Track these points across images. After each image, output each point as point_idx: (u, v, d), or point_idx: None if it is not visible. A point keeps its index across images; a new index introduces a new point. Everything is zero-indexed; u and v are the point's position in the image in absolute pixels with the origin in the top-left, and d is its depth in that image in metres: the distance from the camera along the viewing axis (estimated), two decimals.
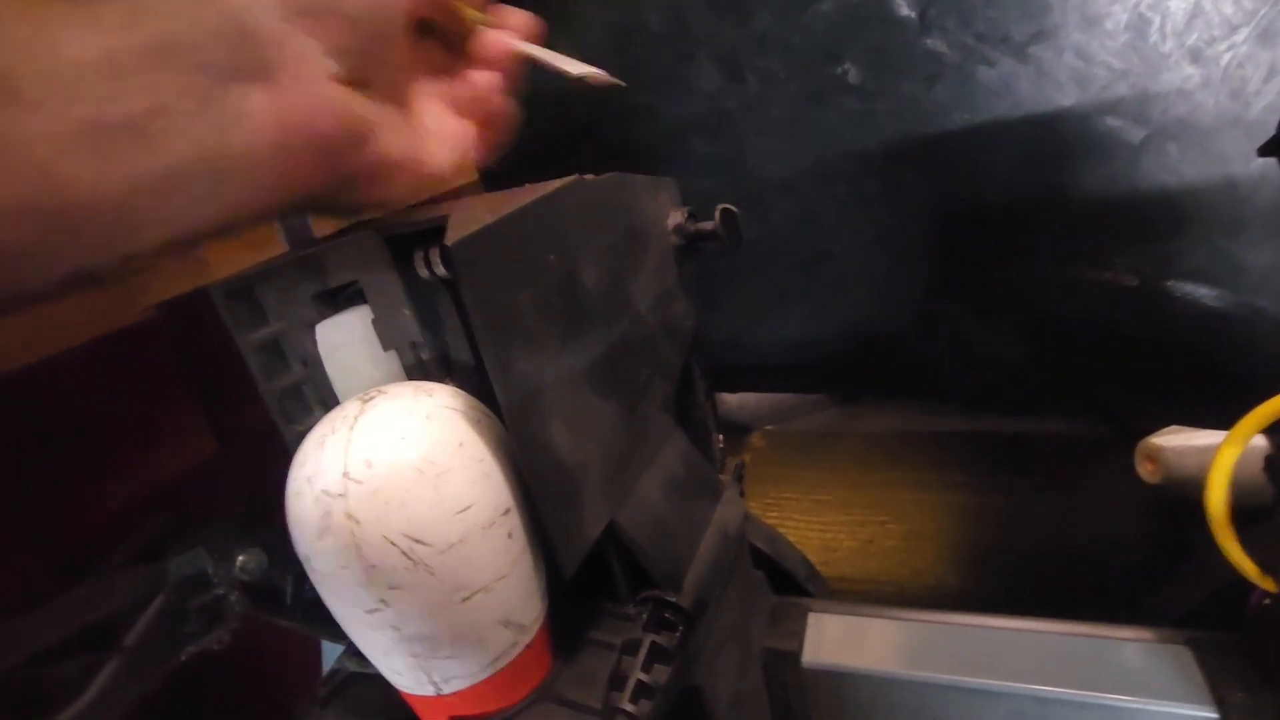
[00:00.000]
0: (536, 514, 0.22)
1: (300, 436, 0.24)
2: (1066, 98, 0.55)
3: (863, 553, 0.69)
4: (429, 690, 0.22)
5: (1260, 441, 0.67)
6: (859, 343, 0.74)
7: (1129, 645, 0.29)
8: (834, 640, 0.33)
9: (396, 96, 0.23)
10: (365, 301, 0.25)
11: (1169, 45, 0.51)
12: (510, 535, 0.21)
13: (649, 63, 0.69)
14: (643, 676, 0.23)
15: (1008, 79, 0.57)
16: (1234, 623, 0.28)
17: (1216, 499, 0.25)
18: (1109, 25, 0.52)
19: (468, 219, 0.20)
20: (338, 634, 0.31)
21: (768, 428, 0.88)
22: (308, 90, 0.19)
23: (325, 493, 0.19)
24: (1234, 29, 0.50)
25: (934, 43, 0.58)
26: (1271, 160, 0.52)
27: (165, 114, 0.17)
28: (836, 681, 0.32)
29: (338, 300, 0.25)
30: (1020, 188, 0.60)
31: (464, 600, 0.20)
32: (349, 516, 0.19)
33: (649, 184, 0.30)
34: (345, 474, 0.19)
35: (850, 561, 0.68)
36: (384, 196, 0.23)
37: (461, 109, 0.25)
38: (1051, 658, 0.30)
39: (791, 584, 0.37)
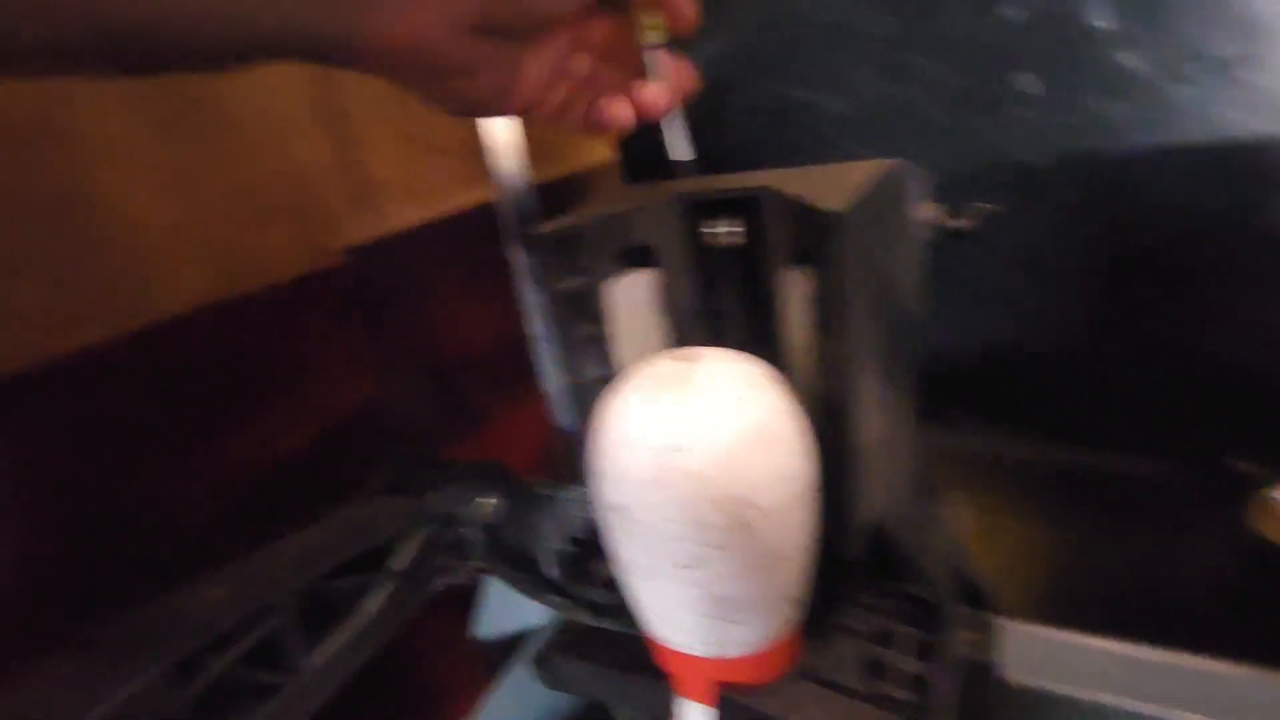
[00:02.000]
0: (827, 493, 0.22)
1: (584, 388, 0.24)
2: (1271, 125, 0.53)
3: None
4: (707, 652, 0.22)
5: None
6: (978, 361, 0.72)
7: None
8: (1033, 658, 0.32)
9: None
10: (656, 265, 0.25)
11: None
12: (812, 510, 0.21)
13: (809, 57, 0.68)
14: (912, 668, 0.23)
15: (1205, 100, 0.54)
16: None
17: None
18: None
19: (825, 189, 0.20)
20: (536, 588, 0.32)
21: None
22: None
23: (666, 446, 0.19)
24: None
25: (1126, 56, 0.56)
26: None
27: None
28: (1035, 701, 0.31)
29: (634, 260, 0.25)
30: (1201, 218, 0.57)
31: (770, 567, 0.21)
32: (689, 473, 0.19)
33: (918, 173, 0.29)
34: (687, 431, 0.19)
35: None
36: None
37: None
38: (1265, 704, 0.28)
39: (971, 592, 0.37)
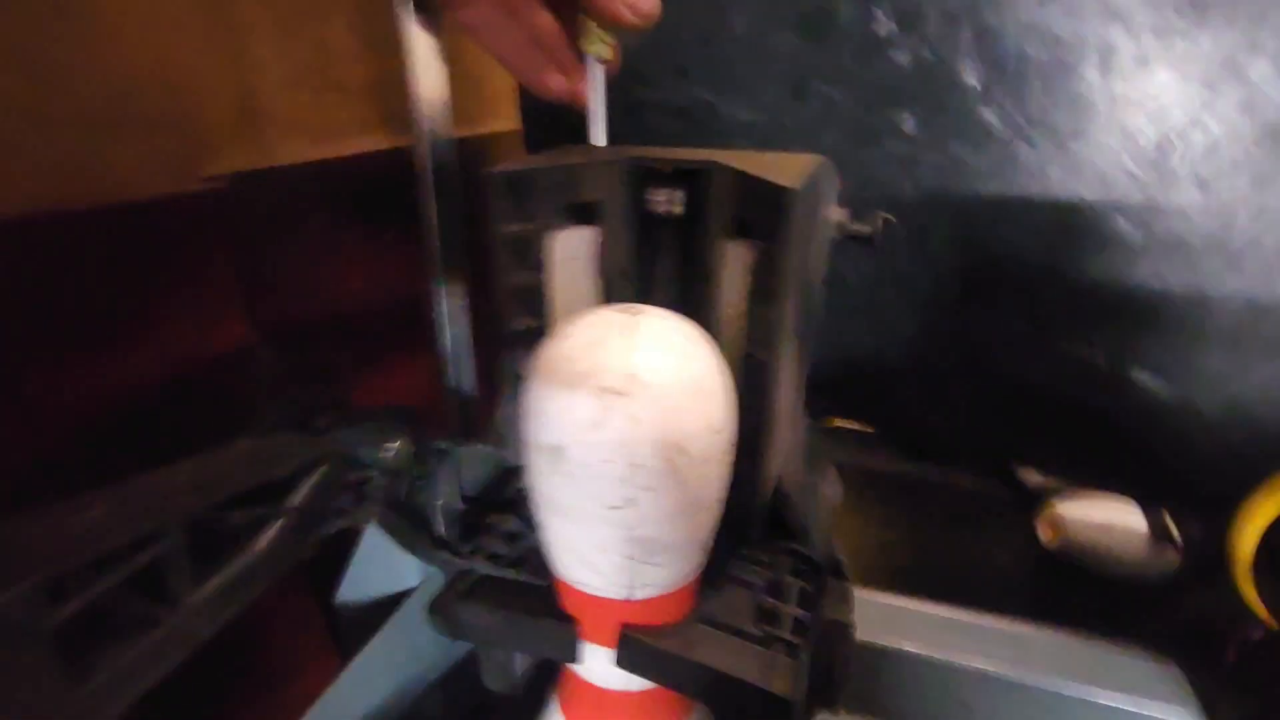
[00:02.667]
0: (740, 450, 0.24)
1: (519, 335, 0.25)
2: (1089, 192, 0.63)
3: None
4: (620, 594, 0.23)
5: (1141, 523, 0.77)
6: (840, 370, 0.79)
7: (1130, 658, 0.34)
8: (879, 621, 0.36)
9: None
10: (597, 223, 0.26)
11: (1185, 170, 0.59)
12: (731, 464, 0.23)
13: (720, 63, 0.71)
14: (797, 613, 0.25)
15: (1043, 163, 0.63)
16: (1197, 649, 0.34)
17: (1245, 548, 0.30)
18: (1141, 141, 0.60)
19: (769, 171, 0.22)
20: (426, 543, 0.31)
21: None
22: None
23: (608, 390, 0.20)
24: (1237, 169, 0.58)
25: (989, 114, 0.64)
26: (1239, 285, 0.61)
27: None
28: (879, 659, 0.35)
29: (576, 216, 0.25)
30: (1030, 261, 0.67)
31: (691, 513, 0.22)
32: (631, 417, 0.20)
33: (834, 175, 0.32)
34: (631, 376, 0.20)
35: None
36: None
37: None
38: (1068, 661, 0.34)
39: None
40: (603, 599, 0.23)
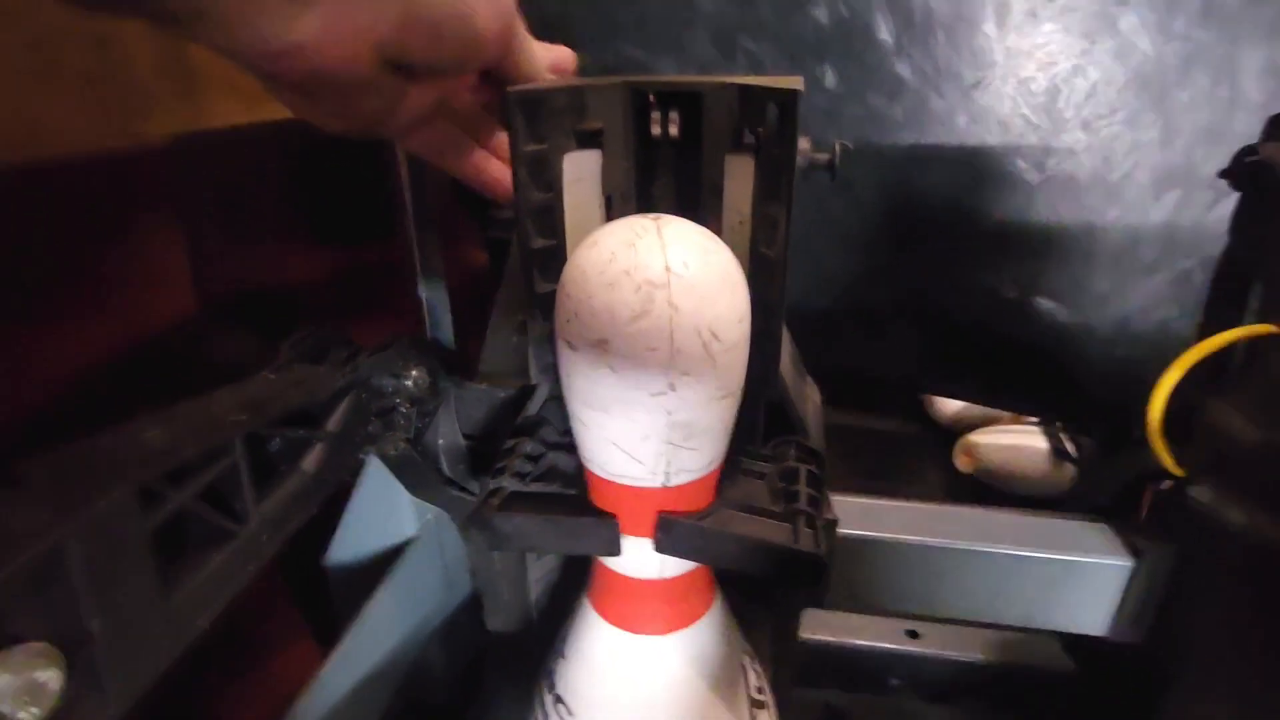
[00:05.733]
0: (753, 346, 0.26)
1: (538, 253, 0.26)
2: (991, 137, 0.69)
3: None
4: (658, 481, 0.25)
5: (1043, 444, 0.86)
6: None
7: (1069, 523, 0.40)
8: (855, 515, 0.40)
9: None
10: (601, 146, 0.27)
11: (1070, 112, 0.66)
12: (750, 354, 0.25)
13: (650, 20, 0.72)
14: (810, 491, 0.28)
15: (951, 111, 0.69)
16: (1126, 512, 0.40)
17: (1156, 412, 0.36)
18: (1033, 87, 0.66)
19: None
20: (430, 485, 0.32)
21: None
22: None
23: (648, 282, 0.22)
24: (1113, 111, 0.66)
25: (901, 67, 0.68)
26: (1117, 213, 0.69)
27: None
28: (859, 548, 0.39)
29: (585, 140, 0.27)
30: (943, 204, 0.73)
31: (723, 398, 0.24)
32: (670, 304, 0.22)
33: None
34: (666, 268, 0.22)
35: None
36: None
37: None
38: (1018, 532, 0.39)
39: None
40: (641, 489, 0.25)
